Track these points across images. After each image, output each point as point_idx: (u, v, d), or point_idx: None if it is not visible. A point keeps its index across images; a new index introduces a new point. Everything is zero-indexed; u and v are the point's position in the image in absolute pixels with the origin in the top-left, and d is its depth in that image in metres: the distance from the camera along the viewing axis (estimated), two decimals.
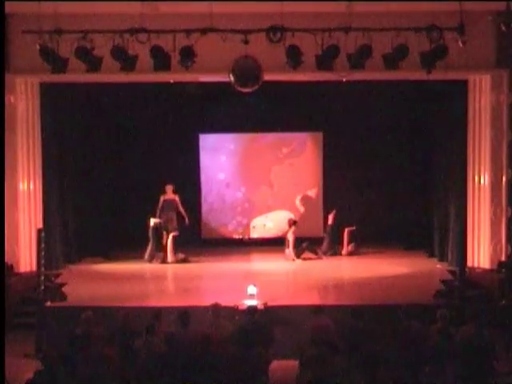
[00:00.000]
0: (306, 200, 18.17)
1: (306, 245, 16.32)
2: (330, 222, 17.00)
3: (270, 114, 17.23)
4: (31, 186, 14.26)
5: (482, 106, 14.13)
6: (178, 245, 15.99)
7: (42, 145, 14.51)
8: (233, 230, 18.15)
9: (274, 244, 17.28)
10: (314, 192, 18.14)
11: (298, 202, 18.19)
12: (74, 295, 12.71)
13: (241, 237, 18.13)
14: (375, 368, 7.97)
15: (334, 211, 16.97)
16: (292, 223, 16.64)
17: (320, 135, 18.03)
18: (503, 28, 10.64)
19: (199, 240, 17.90)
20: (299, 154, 18.10)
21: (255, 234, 18.15)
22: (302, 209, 18.18)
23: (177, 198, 16.19)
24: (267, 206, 18.09)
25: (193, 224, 16.79)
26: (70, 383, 7.93)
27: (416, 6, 11.85)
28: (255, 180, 18.10)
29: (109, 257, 16.29)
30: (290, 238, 16.29)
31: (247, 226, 18.13)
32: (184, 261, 15.97)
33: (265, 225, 18.11)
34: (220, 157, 18.03)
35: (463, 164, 14.52)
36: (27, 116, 14.16)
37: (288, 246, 16.28)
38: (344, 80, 12.44)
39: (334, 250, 16.68)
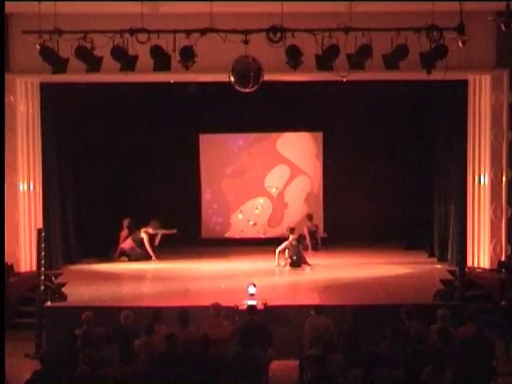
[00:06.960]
0: (306, 199, 18.17)
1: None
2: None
3: (270, 114, 17.22)
4: (31, 186, 14.26)
5: (482, 106, 14.13)
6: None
7: (42, 145, 14.52)
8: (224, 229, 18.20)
9: (274, 244, 17.26)
10: (314, 191, 18.15)
11: (266, 185, 18.11)
12: (74, 295, 12.70)
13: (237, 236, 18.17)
14: (375, 368, 7.99)
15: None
16: (289, 231, 16.05)
17: (320, 135, 18.04)
18: (503, 28, 10.61)
19: (199, 240, 17.89)
20: (258, 143, 18.09)
21: (234, 228, 18.18)
22: (273, 190, 18.11)
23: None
24: (239, 199, 18.08)
25: (193, 224, 16.75)
26: (70, 383, 7.94)
27: (416, 6, 11.84)
28: (215, 178, 18.06)
29: (109, 257, 16.29)
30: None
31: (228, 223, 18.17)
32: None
33: (241, 211, 18.09)
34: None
35: (463, 164, 14.53)
36: (27, 116, 14.17)
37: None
38: (344, 80, 12.44)
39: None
